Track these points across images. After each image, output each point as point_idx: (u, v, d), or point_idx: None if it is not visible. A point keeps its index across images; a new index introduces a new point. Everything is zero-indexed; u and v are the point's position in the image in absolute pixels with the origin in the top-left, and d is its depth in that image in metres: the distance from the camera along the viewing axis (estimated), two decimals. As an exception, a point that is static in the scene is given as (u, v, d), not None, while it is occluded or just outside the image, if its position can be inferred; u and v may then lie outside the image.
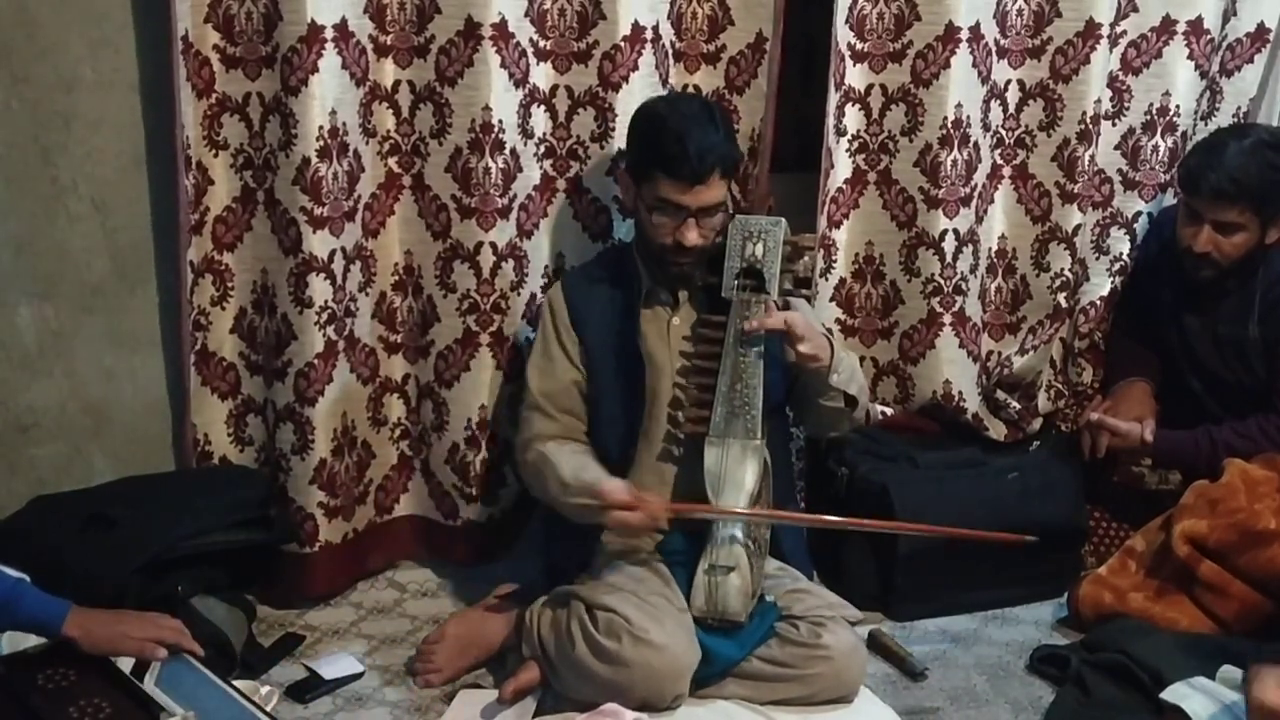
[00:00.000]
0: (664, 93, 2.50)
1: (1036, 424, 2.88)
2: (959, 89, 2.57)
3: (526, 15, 2.42)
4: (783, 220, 2.30)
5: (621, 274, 2.40)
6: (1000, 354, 2.85)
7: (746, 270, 2.28)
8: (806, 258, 2.33)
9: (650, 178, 2.26)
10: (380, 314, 2.58)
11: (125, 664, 1.92)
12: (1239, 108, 2.80)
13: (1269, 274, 2.58)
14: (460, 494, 2.63)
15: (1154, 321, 2.77)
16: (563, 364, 2.37)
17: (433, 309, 2.56)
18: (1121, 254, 2.81)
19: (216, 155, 2.41)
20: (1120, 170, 2.80)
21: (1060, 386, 2.88)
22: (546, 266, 2.59)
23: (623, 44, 2.44)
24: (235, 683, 2.03)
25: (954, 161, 2.61)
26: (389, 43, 2.43)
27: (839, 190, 2.68)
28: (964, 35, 2.54)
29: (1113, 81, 2.74)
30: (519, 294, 2.56)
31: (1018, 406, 2.83)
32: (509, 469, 2.63)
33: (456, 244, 2.50)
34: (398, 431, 2.67)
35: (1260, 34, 2.75)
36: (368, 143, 2.45)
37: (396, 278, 2.58)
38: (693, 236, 2.26)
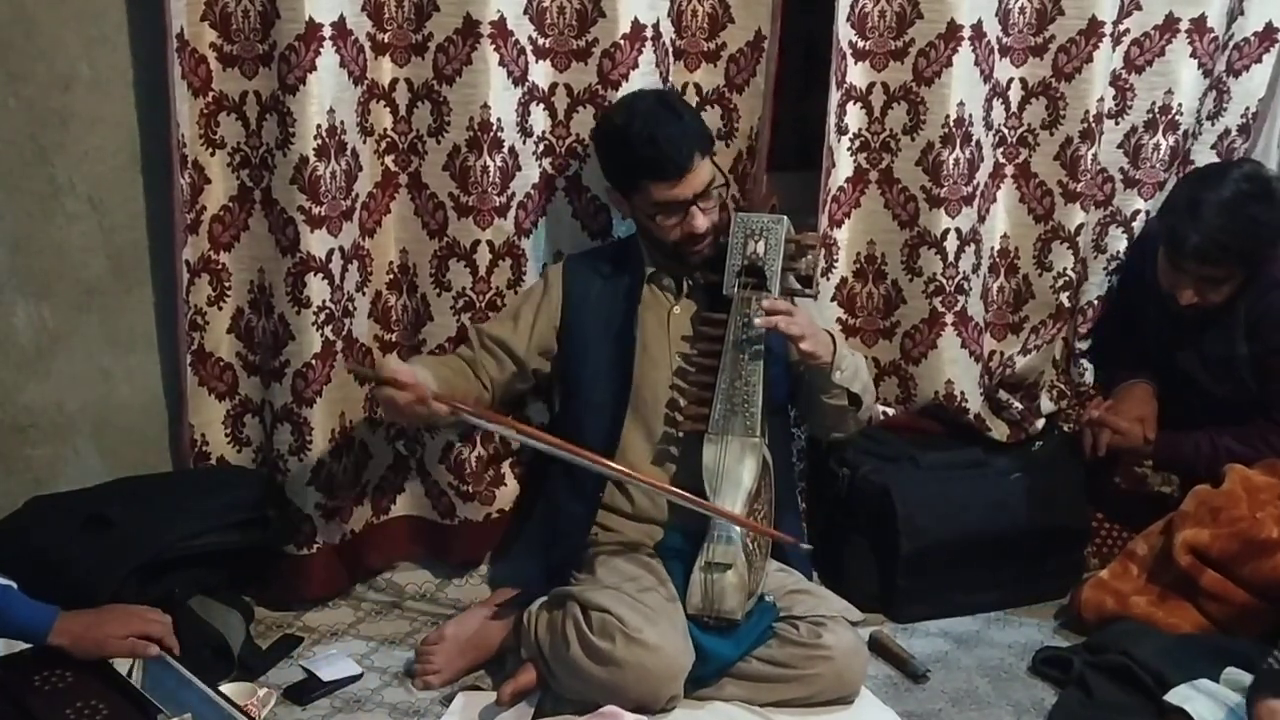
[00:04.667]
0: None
1: (1039, 424, 2.86)
2: (961, 87, 2.56)
3: (525, 13, 2.41)
4: (785, 218, 2.29)
5: (625, 261, 2.41)
6: (1002, 354, 2.83)
7: (748, 268, 2.27)
8: (809, 256, 2.33)
9: (639, 187, 2.26)
10: (376, 313, 2.57)
11: (121, 664, 1.91)
12: (1247, 108, 2.77)
13: (1252, 292, 2.54)
14: (457, 493, 2.62)
15: (1141, 342, 2.74)
16: (522, 335, 2.41)
17: (426, 307, 2.55)
18: (1119, 252, 2.79)
19: (213, 154, 2.40)
20: (1122, 169, 2.78)
21: (1063, 387, 2.87)
22: (545, 265, 2.58)
23: (622, 42, 2.43)
24: (232, 684, 2.02)
25: (956, 160, 2.60)
26: (387, 41, 2.42)
27: (840, 189, 2.67)
28: (966, 33, 2.52)
29: (1115, 80, 2.72)
30: (515, 292, 2.54)
31: (1020, 407, 2.82)
32: (507, 467, 2.62)
33: (453, 242, 2.49)
34: (394, 431, 2.66)
35: (1269, 34, 2.72)
36: (365, 141, 2.44)
37: (391, 276, 2.57)
38: (701, 222, 2.26)
